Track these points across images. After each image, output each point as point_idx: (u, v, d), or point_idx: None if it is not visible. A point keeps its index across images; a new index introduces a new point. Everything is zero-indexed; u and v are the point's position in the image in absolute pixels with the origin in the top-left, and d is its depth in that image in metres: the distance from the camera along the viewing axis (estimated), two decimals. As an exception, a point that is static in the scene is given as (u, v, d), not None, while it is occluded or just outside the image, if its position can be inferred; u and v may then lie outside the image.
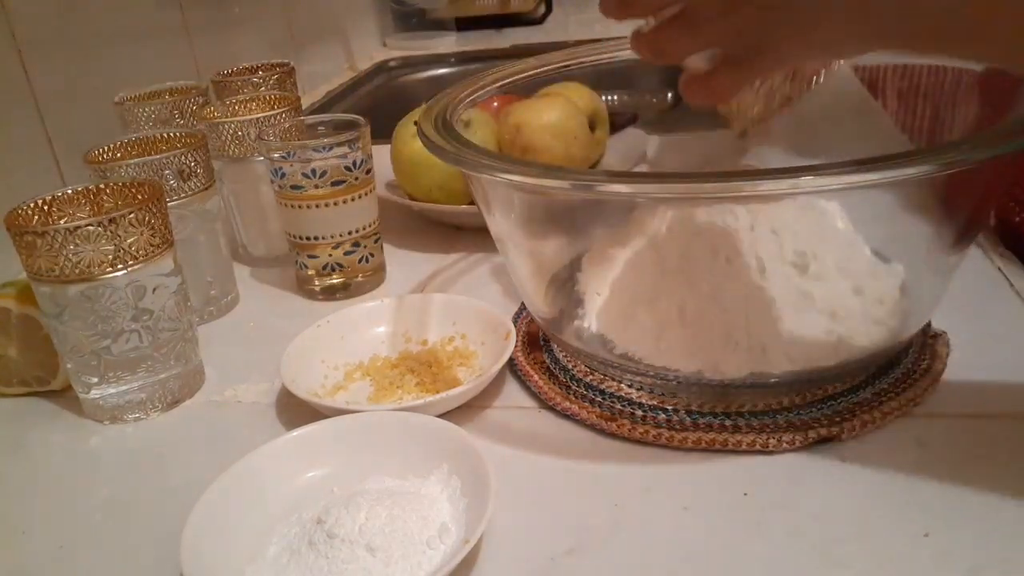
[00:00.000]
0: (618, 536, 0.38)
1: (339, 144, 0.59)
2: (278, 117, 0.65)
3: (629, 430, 0.43)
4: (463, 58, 1.41)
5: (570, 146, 0.65)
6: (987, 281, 0.54)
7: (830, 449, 0.41)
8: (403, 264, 0.67)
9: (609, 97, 0.74)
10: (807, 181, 0.34)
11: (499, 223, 0.48)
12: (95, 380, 0.50)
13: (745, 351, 0.42)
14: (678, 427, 0.43)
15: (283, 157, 0.59)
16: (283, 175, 0.59)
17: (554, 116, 0.64)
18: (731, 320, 0.43)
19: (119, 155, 0.59)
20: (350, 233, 0.61)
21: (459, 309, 0.54)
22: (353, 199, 0.60)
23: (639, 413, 0.44)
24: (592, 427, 0.44)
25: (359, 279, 0.63)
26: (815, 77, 0.50)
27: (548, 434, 0.45)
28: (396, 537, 0.36)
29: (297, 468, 0.42)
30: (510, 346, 0.48)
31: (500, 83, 0.56)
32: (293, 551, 0.37)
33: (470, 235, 0.70)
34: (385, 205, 0.66)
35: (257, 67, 0.79)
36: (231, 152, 0.65)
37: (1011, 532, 0.35)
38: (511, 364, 0.50)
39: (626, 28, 0.41)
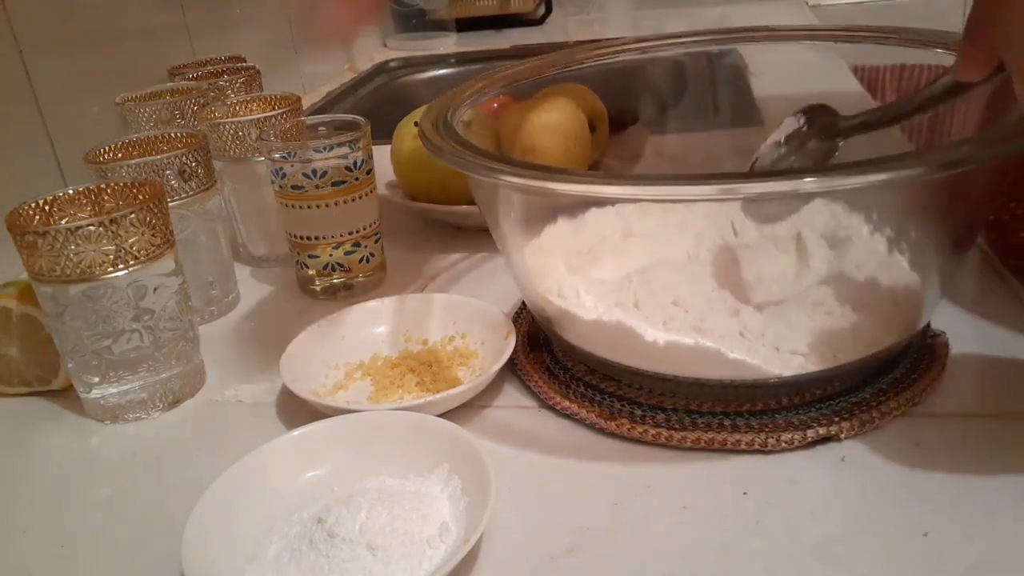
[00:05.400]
0: (618, 535, 0.38)
1: (340, 144, 0.59)
2: (279, 117, 0.65)
3: (628, 429, 0.43)
4: (463, 59, 1.41)
5: (570, 146, 0.65)
6: (987, 281, 0.54)
7: (829, 449, 0.41)
8: (403, 264, 0.67)
9: (609, 97, 0.74)
10: (808, 183, 0.35)
11: (499, 223, 0.48)
12: (96, 380, 0.50)
13: (745, 352, 0.42)
14: (677, 426, 0.43)
15: (284, 157, 0.59)
16: (284, 175, 0.59)
17: (554, 116, 0.65)
18: (731, 321, 0.43)
19: (120, 155, 0.59)
20: (351, 233, 0.61)
21: (459, 309, 0.54)
22: (354, 199, 0.60)
23: (638, 412, 0.44)
24: (592, 426, 0.45)
25: (360, 279, 0.63)
26: None
27: (548, 433, 0.45)
28: (397, 536, 0.36)
29: (297, 467, 0.42)
30: (510, 346, 0.48)
31: (500, 84, 0.56)
32: (294, 550, 0.37)
33: (470, 235, 0.70)
34: (385, 205, 0.66)
35: (222, 71, 0.79)
36: (232, 152, 0.65)
37: (1011, 531, 0.35)
38: (511, 364, 0.50)
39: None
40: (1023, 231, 0.51)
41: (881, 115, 0.47)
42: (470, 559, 0.37)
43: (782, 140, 0.49)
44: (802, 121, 0.49)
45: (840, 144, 0.48)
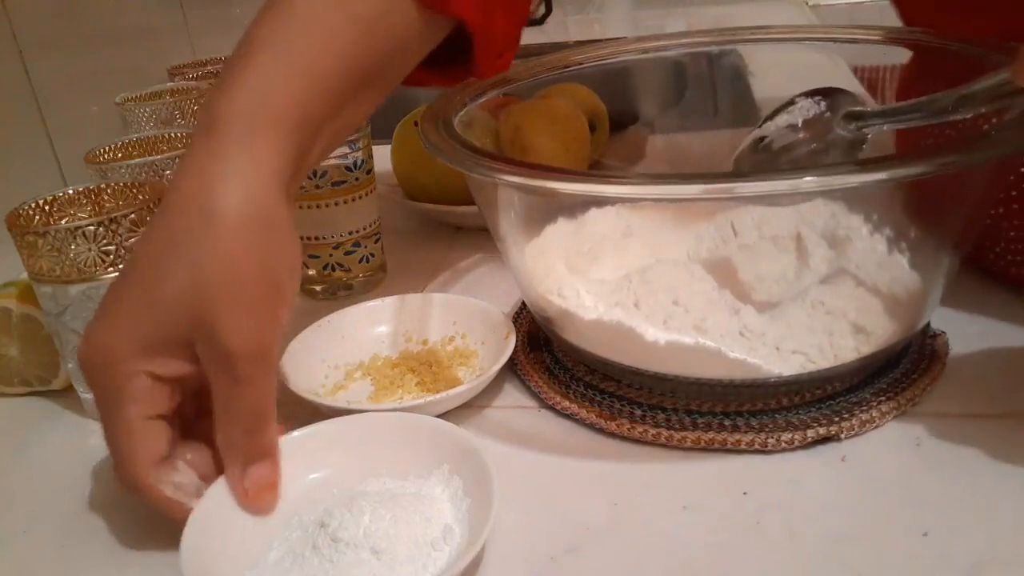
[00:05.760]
0: (618, 535, 0.38)
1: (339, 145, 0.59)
2: (278, 117, 0.65)
3: (628, 429, 0.43)
4: (463, 58, 1.41)
5: (570, 146, 0.65)
6: (987, 281, 0.54)
7: (829, 449, 0.41)
8: (403, 264, 0.67)
9: (609, 97, 0.74)
10: (808, 183, 0.35)
11: (499, 223, 0.48)
12: (96, 380, 0.50)
13: (745, 352, 0.42)
14: (677, 426, 0.43)
15: (284, 157, 0.59)
16: (284, 175, 0.59)
17: (554, 116, 0.65)
18: (731, 321, 0.43)
19: (120, 155, 0.59)
20: (351, 233, 0.61)
21: (459, 309, 0.54)
22: (354, 199, 0.60)
23: (638, 412, 0.44)
24: (592, 426, 0.45)
25: (360, 279, 0.63)
26: None
27: (548, 433, 0.45)
28: (401, 539, 0.36)
29: (297, 469, 0.42)
30: (510, 346, 0.48)
31: (500, 84, 0.56)
32: (296, 555, 0.37)
33: (470, 235, 0.70)
34: (385, 205, 0.66)
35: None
36: (232, 152, 0.65)
37: (1011, 531, 0.35)
38: (511, 364, 0.50)
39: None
40: (1012, 231, 0.50)
41: (918, 108, 0.43)
42: (471, 559, 0.37)
43: (799, 123, 0.47)
44: (823, 106, 0.47)
45: (869, 136, 0.46)
